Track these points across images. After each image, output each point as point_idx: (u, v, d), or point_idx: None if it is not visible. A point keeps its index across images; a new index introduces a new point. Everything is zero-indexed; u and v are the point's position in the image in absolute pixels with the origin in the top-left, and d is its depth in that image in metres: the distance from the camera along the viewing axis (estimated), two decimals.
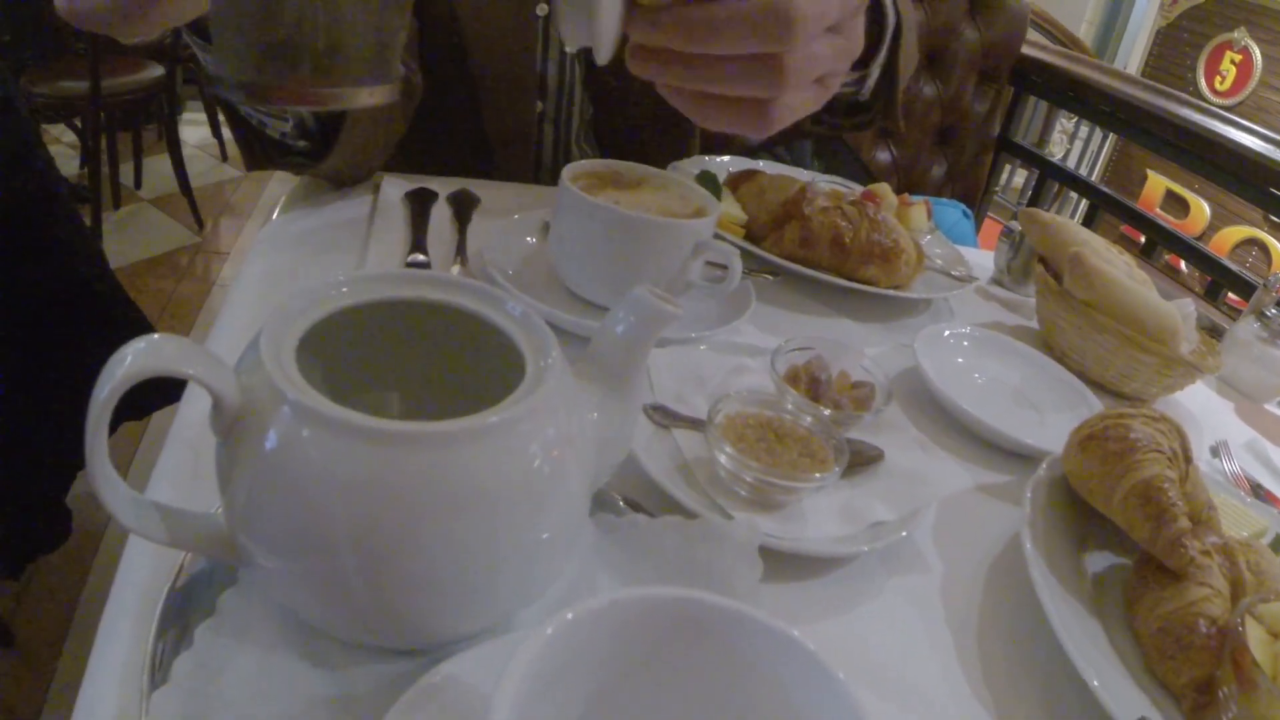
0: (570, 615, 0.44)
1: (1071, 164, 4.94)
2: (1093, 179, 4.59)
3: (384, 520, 0.48)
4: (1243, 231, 4.29)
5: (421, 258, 1.09)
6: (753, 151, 1.71)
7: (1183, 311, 1.19)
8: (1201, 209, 4.41)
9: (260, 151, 1.14)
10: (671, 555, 0.67)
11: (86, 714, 0.57)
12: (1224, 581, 0.75)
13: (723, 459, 0.80)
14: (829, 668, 0.45)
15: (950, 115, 2.45)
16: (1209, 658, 0.70)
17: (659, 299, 0.57)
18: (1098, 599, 0.80)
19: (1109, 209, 2.43)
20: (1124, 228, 3.82)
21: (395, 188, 1.25)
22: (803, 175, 1.45)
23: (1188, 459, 0.86)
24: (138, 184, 4.73)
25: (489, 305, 0.60)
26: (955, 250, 1.44)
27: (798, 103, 0.63)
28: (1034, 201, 2.71)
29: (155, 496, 0.71)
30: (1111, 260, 1.25)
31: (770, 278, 1.27)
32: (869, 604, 0.77)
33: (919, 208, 1.42)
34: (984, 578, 0.83)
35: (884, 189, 1.39)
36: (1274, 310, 1.31)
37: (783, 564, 0.75)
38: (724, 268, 1.01)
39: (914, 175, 2.44)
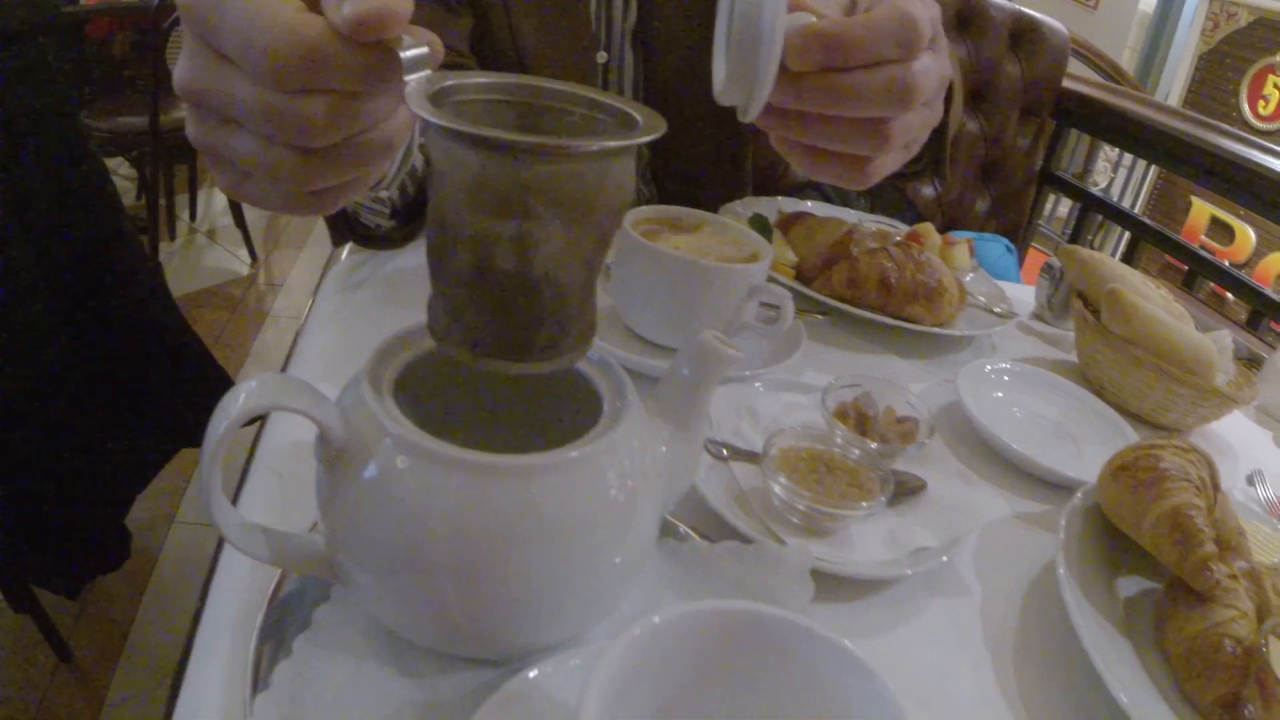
0: (656, 619, 0.49)
1: (1116, 191, 4.93)
2: (1137, 206, 4.59)
3: (477, 544, 0.54)
4: None
5: None
6: (801, 188, 1.75)
7: (1219, 344, 1.22)
8: (1247, 235, 4.36)
9: (349, 231, 1.20)
10: (730, 577, 0.73)
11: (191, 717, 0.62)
12: (1250, 604, 0.78)
13: (777, 489, 0.84)
14: (881, 678, 0.49)
15: (993, 151, 2.46)
16: (1235, 676, 0.73)
17: (722, 344, 0.62)
18: (1129, 621, 0.83)
19: (1151, 240, 2.44)
20: (1168, 257, 3.79)
21: None
22: (849, 216, 1.49)
23: (1216, 487, 0.89)
24: (193, 215, 4.81)
25: None
26: (997, 287, 1.47)
27: (891, 162, 0.69)
28: (1076, 233, 2.72)
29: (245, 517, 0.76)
30: (1148, 295, 1.28)
31: (820, 317, 1.31)
32: (911, 623, 0.82)
33: (961, 247, 1.46)
34: (1020, 600, 0.87)
35: (928, 229, 1.43)
36: None
37: (832, 586, 0.80)
38: (777, 308, 1.06)
39: (958, 210, 2.45)
